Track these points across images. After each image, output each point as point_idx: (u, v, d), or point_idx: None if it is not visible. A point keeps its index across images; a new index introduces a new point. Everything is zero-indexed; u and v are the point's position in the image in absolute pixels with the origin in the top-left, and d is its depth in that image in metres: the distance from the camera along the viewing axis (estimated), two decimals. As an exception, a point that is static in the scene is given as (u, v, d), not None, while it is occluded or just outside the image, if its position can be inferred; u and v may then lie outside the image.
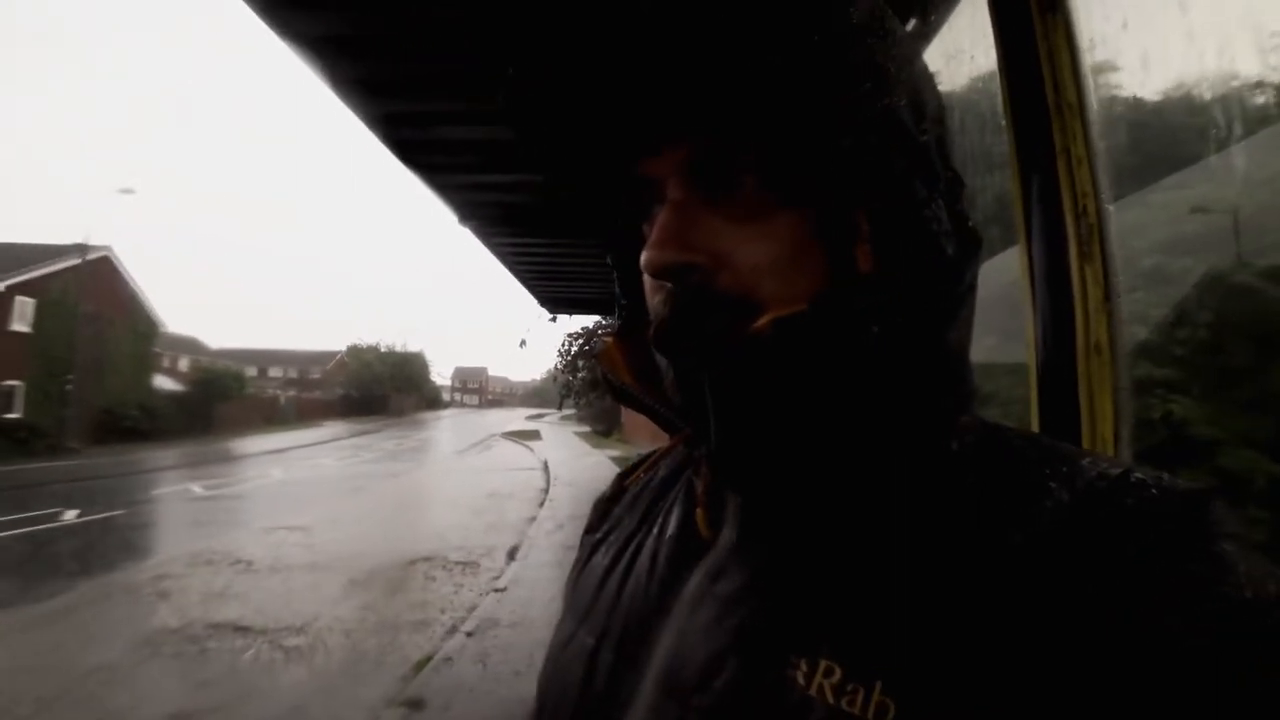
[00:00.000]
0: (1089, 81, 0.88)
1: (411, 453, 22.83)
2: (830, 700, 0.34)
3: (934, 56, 1.57)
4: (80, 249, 23.48)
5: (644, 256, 0.41)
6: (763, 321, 0.37)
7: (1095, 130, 0.87)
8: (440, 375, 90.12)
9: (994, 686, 0.31)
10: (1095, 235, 0.86)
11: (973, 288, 0.41)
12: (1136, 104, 0.97)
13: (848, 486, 0.40)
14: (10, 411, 20.87)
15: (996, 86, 1.05)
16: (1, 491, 12.30)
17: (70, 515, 9.91)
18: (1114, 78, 0.94)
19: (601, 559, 0.54)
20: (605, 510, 0.61)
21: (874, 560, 0.37)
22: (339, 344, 70.27)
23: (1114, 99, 0.95)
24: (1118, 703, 0.29)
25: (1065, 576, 0.32)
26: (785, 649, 0.37)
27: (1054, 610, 0.32)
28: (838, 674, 0.34)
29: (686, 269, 0.40)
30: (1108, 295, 0.88)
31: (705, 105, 0.39)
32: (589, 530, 0.61)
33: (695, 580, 0.44)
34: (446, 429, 38.73)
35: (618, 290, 0.53)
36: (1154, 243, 1.99)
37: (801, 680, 0.35)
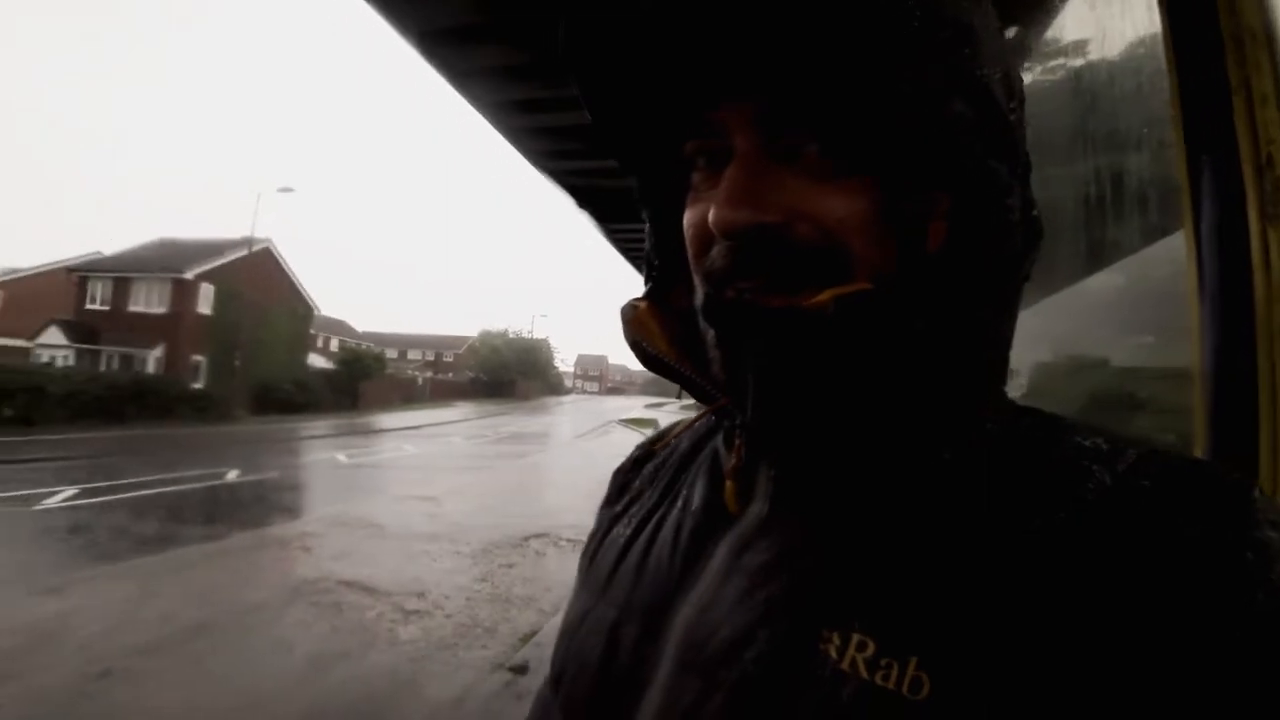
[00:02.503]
0: (1278, 3, 0.71)
1: (533, 435, 23.77)
2: (864, 674, 0.33)
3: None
4: (246, 242, 26.84)
5: (714, 214, 0.38)
6: (824, 296, 0.36)
7: (1286, 61, 0.69)
8: (563, 362, 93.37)
9: (1031, 664, 0.30)
10: (1283, 191, 0.69)
11: (1027, 278, 0.41)
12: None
13: (885, 462, 0.39)
14: (196, 382, 24.19)
15: (1155, 26, 0.88)
16: (183, 451, 14.17)
17: (233, 475, 11.17)
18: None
19: (621, 532, 0.52)
20: (624, 483, 0.59)
21: (909, 535, 0.36)
22: (471, 330, 74.58)
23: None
24: (1158, 687, 0.28)
25: (1105, 558, 0.32)
26: (817, 622, 0.36)
27: (1093, 591, 0.31)
28: (871, 648, 0.34)
29: (761, 230, 0.37)
30: (1297, 267, 0.70)
31: (795, 50, 0.35)
32: (607, 503, 0.59)
33: (721, 553, 0.43)
34: (567, 414, 40.00)
35: (649, 248, 0.50)
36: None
37: (834, 654, 0.34)
